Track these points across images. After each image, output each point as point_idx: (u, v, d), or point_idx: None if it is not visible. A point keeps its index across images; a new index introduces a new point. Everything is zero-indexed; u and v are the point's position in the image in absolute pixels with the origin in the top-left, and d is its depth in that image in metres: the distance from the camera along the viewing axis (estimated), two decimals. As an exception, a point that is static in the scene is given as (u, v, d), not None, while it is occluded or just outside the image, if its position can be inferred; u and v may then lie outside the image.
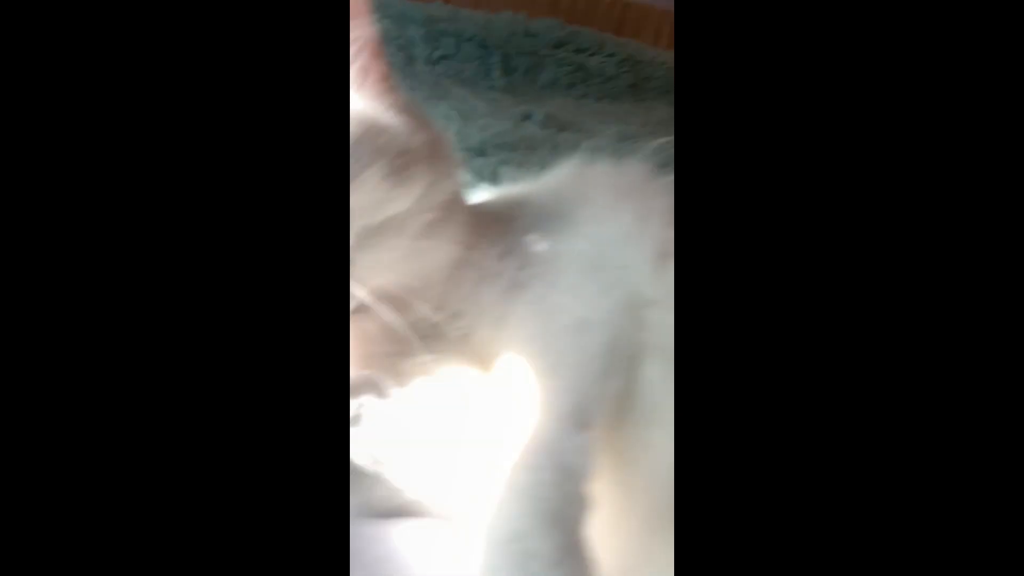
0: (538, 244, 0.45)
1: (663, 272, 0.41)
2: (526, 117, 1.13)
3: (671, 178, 0.47)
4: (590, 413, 0.36)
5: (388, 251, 0.41)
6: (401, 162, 0.41)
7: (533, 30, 1.37)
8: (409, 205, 0.41)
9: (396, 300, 0.42)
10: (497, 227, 0.47)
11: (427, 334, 0.43)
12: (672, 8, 1.43)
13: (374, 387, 0.41)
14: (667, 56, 1.46)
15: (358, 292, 0.40)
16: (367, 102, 0.44)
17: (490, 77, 1.34)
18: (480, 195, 0.55)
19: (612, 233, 0.44)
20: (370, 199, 0.40)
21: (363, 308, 0.40)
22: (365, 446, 0.39)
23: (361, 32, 0.45)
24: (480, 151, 0.98)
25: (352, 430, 0.39)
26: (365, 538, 0.37)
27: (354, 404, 0.40)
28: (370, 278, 0.41)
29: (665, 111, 1.26)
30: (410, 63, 1.31)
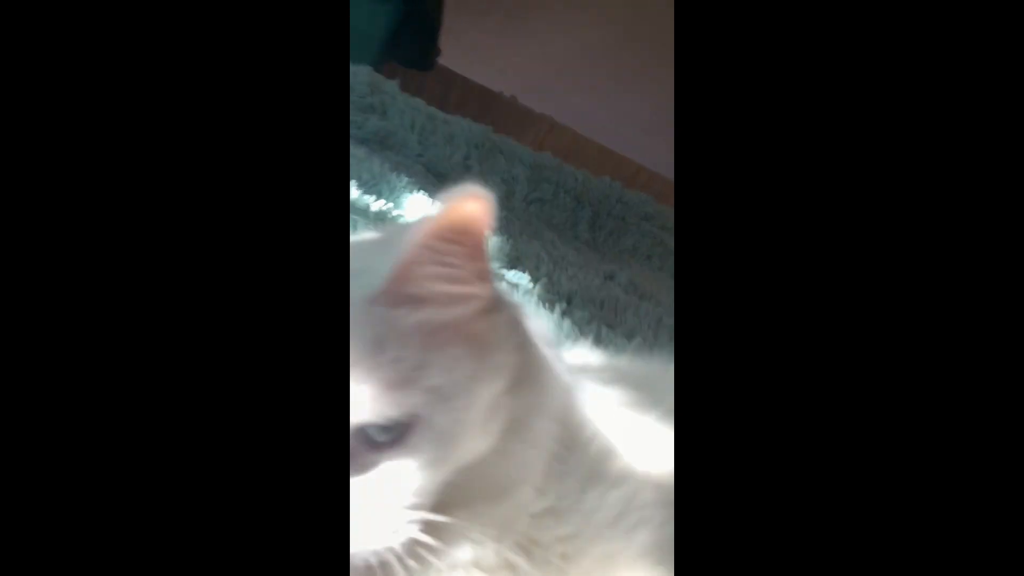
0: None
1: None
2: (610, 277, 1.18)
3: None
4: None
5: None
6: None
7: (626, 199, 1.46)
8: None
9: None
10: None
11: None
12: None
13: None
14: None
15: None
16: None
17: (576, 229, 1.42)
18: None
19: None
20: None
21: None
22: None
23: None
24: (568, 299, 1.02)
25: None
26: None
27: None
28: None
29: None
30: (508, 197, 1.39)
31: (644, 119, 2.00)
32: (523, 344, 0.41)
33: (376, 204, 0.97)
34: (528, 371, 0.40)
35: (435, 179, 1.30)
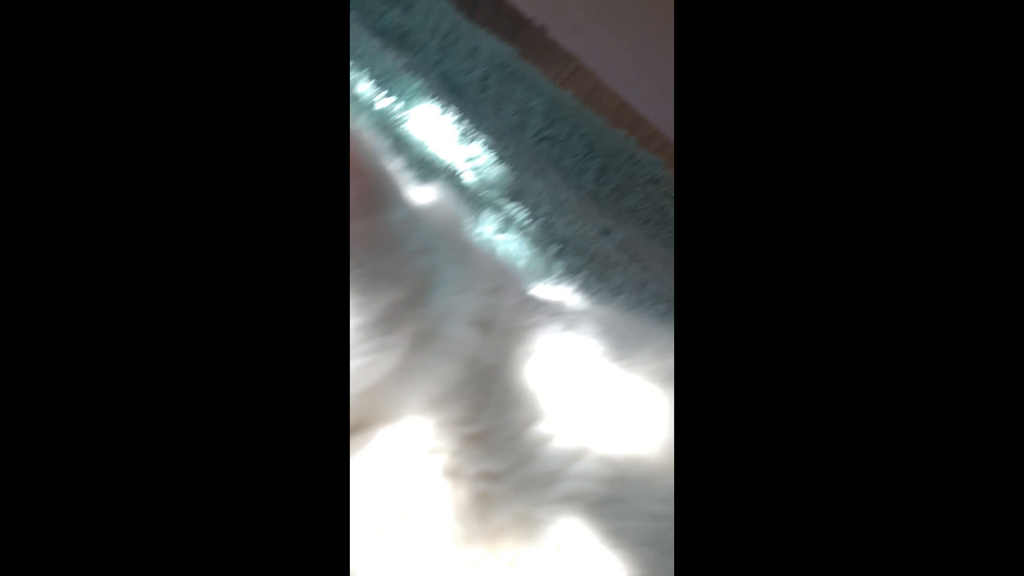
0: None
1: None
2: (605, 232, 1.14)
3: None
4: None
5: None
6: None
7: (638, 158, 1.41)
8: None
9: None
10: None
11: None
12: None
13: None
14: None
15: None
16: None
17: (582, 177, 1.37)
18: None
19: None
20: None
21: None
22: None
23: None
24: (562, 243, 0.98)
25: None
26: None
27: None
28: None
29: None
30: (520, 128, 1.33)
31: (672, 81, 1.93)
32: (430, 246, 0.35)
33: (382, 101, 0.90)
34: (439, 276, 0.35)
35: (449, 91, 1.22)
